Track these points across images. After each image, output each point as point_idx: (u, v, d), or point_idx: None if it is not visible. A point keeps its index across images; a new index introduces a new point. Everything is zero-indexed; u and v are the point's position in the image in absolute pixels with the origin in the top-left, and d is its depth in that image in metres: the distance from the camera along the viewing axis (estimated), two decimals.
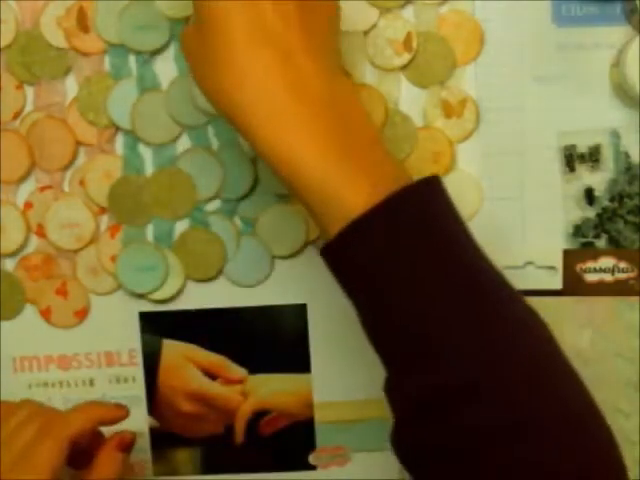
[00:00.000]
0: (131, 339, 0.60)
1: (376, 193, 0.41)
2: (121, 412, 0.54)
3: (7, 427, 0.51)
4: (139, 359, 0.60)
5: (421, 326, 0.41)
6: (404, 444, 0.43)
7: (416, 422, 0.42)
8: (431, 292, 0.41)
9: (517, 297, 0.44)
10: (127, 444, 0.53)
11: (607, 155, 0.57)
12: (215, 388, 0.60)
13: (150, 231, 0.59)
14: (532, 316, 0.44)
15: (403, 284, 0.41)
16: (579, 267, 0.58)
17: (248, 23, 0.42)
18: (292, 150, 0.42)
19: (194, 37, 0.45)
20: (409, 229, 0.41)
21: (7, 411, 0.52)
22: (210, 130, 0.58)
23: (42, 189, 0.59)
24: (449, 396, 0.40)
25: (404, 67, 0.57)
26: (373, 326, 0.44)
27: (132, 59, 0.57)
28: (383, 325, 0.43)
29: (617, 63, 0.55)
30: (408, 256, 0.41)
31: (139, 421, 0.60)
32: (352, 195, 0.41)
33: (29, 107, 0.58)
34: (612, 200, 0.57)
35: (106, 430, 0.54)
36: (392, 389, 0.43)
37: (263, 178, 0.58)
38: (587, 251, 0.58)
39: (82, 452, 0.52)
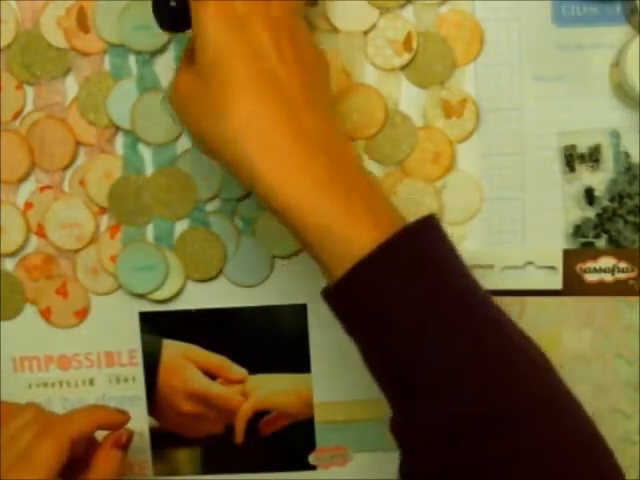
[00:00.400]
0: (131, 339, 0.60)
1: (379, 233, 0.42)
2: (122, 417, 0.54)
3: (8, 429, 0.51)
4: (139, 359, 0.60)
5: (421, 366, 0.42)
6: (412, 477, 0.44)
7: (422, 457, 0.43)
8: (436, 331, 0.42)
9: (515, 327, 0.44)
10: (124, 442, 0.53)
11: (607, 155, 0.57)
12: (215, 388, 0.60)
13: (150, 231, 0.59)
14: (532, 347, 0.44)
15: (407, 323, 0.42)
16: (579, 267, 0.58)
17: (252, 71, 0.43)
18: (298, 197, 0.43)
19: (192, 85, 0.45)
20: (410, 269, 0.42)
21: (9, 413, 0.52)
22: None
23: (42, 189, 0.59)
24: (454, 431, 0.41)
25: (404, 67, 0.57)
26: (377, 363, 0.44)
27: (132, 59, 0.57)
28: (387, 363, 0.43)
29: (617, 63, 0.55)
30: (407, 296, 0.42)
31: (139, 421, 0.60)
32: (357, 236, 0.42)
33: (29, 107, 0.58)
34: (612, 200, 0.57)
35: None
36: (397, 426, 0.44)
37: None
38: (587, 251, 0.58)
39: (75, 462, 0.52)
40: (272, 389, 0.61)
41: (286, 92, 0.44)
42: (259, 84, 0.43)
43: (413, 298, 0.42)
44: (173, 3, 0.47)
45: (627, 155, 0.57)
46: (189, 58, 0.46)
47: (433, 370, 0.42)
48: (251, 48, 0.44)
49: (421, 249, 0.43)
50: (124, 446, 0.53)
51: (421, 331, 0.42)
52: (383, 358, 0.44)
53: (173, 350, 0.60)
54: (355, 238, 0.42)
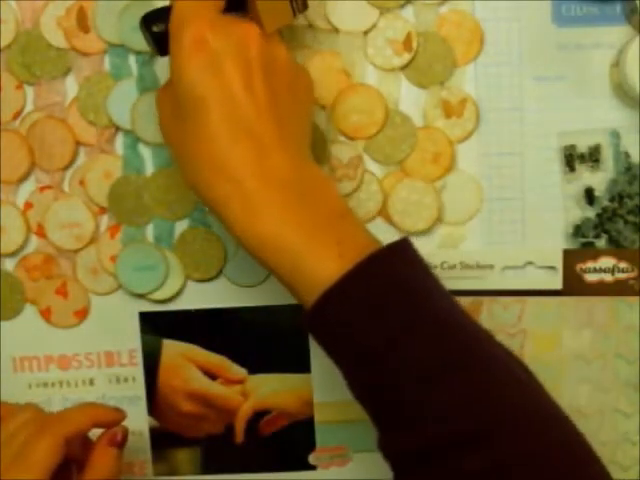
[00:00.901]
0: (131, 339, 0.60)
1: (344, 263, 0.43)
2: (118, 415, 0.53)
3: (8, 428, 0.51)
4: (139, 359, 0.60)
5: (402, 386, 0.43)
6: None
7: (411, 474, 0.43)
8: (412, 350, 0.42)
9: (494, 342, 0.45)
10: (119, 440, 0.53)
11: (607, 155, 0.57)
12: (215, 388, 0.60)
13: (150, 231, 0.59)
14: (513, 361, 0.45)
15: (381, 346, 0.43)
16: (579, 267, 0.58)
17: (225, 115, 0.45)
18: (266, 234, 0.45)
19: (173, 122, 0.47)
20: (378, 294, 0.43)
21: (9, 413, 0.52)
22: None
23: (42, 189, 0.59)
24: (440, 448, 0.42)
25: (404, 67, 0.57)
26: (358, 385, 0.45)
27: (132, 59, 0.57)
28: (368, 385, 0.44)
29: (617, 63, 0.55)
30: (378, 320, 0.43)
31: (139, 421, 0.60)
32: (321, 267, 0.44)
33: (29, 107, 0.58)
34: (612, 200, 0.57)
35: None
36: (384, 446, 0.45)
37: None
38: (587, 251, 0.58)
39: (71, 463, 0.52)
40: (272, 389, 0.61)
41: (258, 134, 0.45)
42: (231, 128, 0.45)
43: (383, 321, 0.43)
44: (156, 29, 0.47)
45: (627, 155, 0.57)
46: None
47: (414, 389, 0.42)
48: (224, 91, 0.45)
49: (388, 273, 0.44)
50: (120, 444, 0.53)
51: (397, 351, 0.42)
52: (364, 380, 0.44)
53: (173, 350, 0.60)
54: (321, 269, 0.44)
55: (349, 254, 0.44)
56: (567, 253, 0.58)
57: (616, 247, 0.57)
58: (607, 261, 0.57)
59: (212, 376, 0.60)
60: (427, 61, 0.57)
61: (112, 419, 0.53)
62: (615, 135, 0.57)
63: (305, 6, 0.50)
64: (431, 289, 0.45)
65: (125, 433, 0.53)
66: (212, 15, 0.46)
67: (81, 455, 0.53)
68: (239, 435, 0.61)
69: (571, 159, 0.57)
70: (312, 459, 0.61)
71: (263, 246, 0.45)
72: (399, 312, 0.43)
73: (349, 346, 0.44)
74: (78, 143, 0.58)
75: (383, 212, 0.58)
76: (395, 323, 0.43)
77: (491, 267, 0.58)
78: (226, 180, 0.45)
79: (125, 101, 0.57)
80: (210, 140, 0.45)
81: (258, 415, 0.61)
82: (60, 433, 0.50)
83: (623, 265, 0.57)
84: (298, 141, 0.47)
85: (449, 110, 0.57)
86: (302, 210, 0.45)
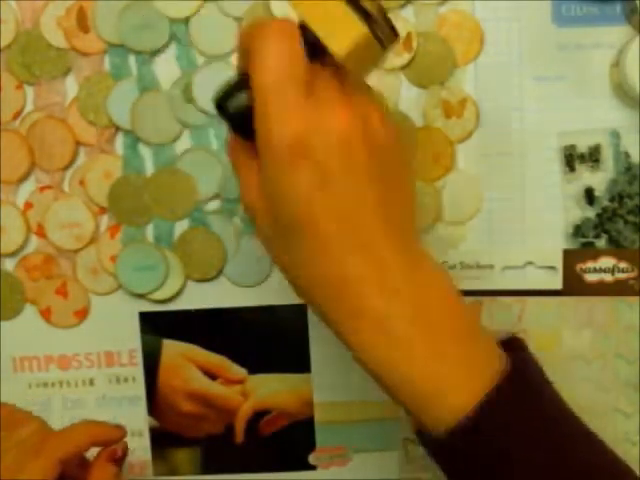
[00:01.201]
0: (131, 339, 0.60)
1: (476, 389, 0.40)
2: (118, 433, 0.52)
3: (10, 439, 0.50)
4: (139, 359, 0.60)
5: None
6: None
7: None
8: (544, 459, 0.40)
9: (611, 452, 0.43)
10: (120, 456, 0.52)
11: (607, 155, 0.57)
12: (215, 388, 0.60)
13: (150, 231, 0.59)
14: (619, 464, 0.43)
15: (503, 475, 0.40)
16: (579, 267, 0.58)
17: (337, 228, 0.39)
18: (386, 355, 0.40)
19: (274, 238, 0.42)
20: (517, 418, 0.40)
21: (16, 420, 0.52)
22: (210, 130, 0.58)
23: (42, 189, 0.59)
24: None
25: (404, 67, 0.57)
26: None
27: (132, 59, 0.57)
28: None
29: (617, 63, 0.55)
30: (520, 446, 0.40)
31: (139, 421, 0.60)
32: (453, 394, 0.40)
33: (29, 107, 0.58)
34: (612, 200, 0.57)
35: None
36: None
37: None
38: (587, 251, 0.58)
39: None
40: (272, 389, 0.61)
41: (369, 244, 0.40)
42: (345, 244, 0.40)
43: (509, 454, 0.40)
44: (233, 110, 0.39)
45: (627, 155, 0.57)
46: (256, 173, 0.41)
47: None
48: (336, 208, 0.39)
49: (519, 400, 0.41)
50: (119, 460, 0.52)
51: (529, 464, 0.40)
52: None
53: (173, 350, 0.60)
54: (452, 396, 0.40)
55: (479, 376, 0.40)
56: (567, 253, 0.58)
57: (616, 247, 0.57)
58: (607, 261, 0.57)
59: (212, 376, 0.60)
60: (427, 61, 0.57)
61: (112, 438, 0.52)
62: (615, 135, 0.57)
63: (395, 34, 0.39)
64: (552, 398, 0.43)
65: (125, 450, 0.52)
66: (305, 103, 0.38)
67: (77, 474, 0.52)
68: (239, 435, 0.61)
69: (571, 159, 0.57)
70: (312, 459, 0.61)
71: (384, 368, 0.41)
72: (535, 429, 0.41)
73: (473, 475, 0.41)
74: (78, 143, 0.58)
75: None
76: (531, 441, 0.40)
77: (491, 267, 0.58)
78: (348, 300, 0.40)
79: (125, 101, 0.57)
80: (325, 256, 0.40)
81: (258, 415, 0.61)
82: (55, 455, 0.48)
83: (623, 265, 0.57)
84: (408, 233, 0.42)
85: (449, 110, 0.57)
86: (425, 326, 0.40)
